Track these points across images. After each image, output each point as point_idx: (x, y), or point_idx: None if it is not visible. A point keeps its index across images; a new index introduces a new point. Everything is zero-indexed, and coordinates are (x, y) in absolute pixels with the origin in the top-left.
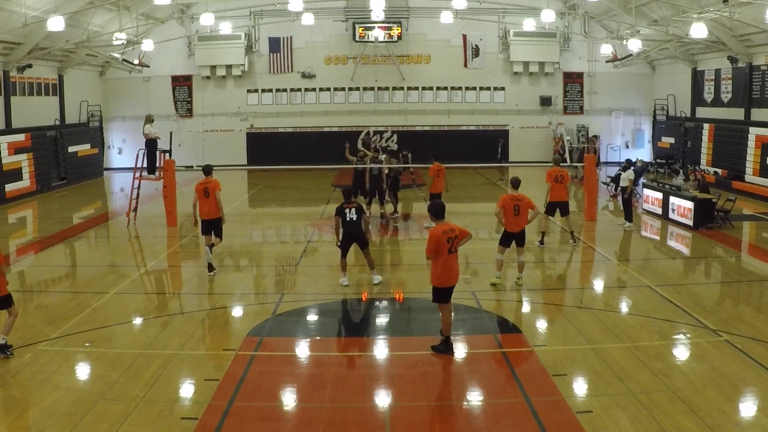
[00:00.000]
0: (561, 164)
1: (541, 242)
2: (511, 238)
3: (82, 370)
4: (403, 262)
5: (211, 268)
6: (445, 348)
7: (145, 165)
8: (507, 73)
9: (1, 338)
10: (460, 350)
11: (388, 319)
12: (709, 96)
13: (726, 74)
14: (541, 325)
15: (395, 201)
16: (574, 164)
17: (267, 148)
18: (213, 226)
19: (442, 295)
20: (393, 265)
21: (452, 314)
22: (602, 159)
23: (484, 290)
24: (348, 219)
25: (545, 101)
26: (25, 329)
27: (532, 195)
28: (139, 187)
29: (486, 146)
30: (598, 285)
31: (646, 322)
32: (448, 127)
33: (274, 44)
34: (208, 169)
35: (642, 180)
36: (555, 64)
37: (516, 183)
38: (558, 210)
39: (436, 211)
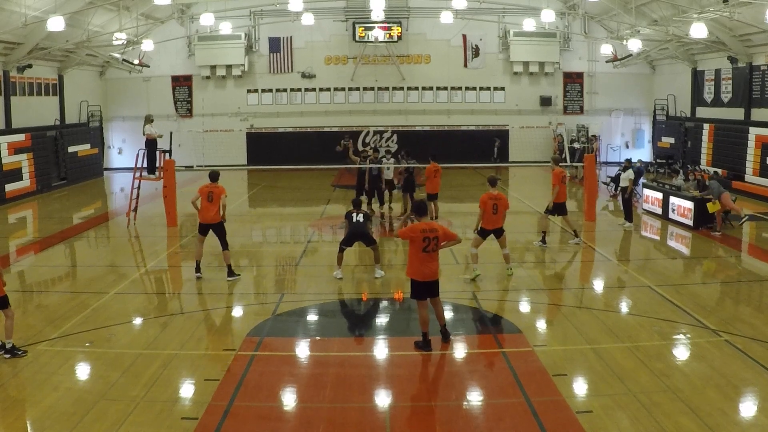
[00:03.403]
0: (560, 164)
1: (543, 241)
2: (488, 233)
3: (82, 370)
4: (402, 262)
5: (200, 268)
6: (423, 344)
7: (145, 165)
8: (507, 73)
9: (8, 342)
10: (460, 350)
11: (388, 319)
12: (709, 96)
13: (726, 74)
14: (541, 325)
15: (412, 201)
16: (574, 164)
17: (267, 148)
18: (213, 230)
19: (418, 290)
20: (392, 265)
21: (443, 313)
22: (602, 159)
23: (484, 290)
24: (354, 220)
25: (545, 101)
26: (25, 329)
27: (534, 195)
28: (139, 187)
29: (486, 146)
30: (598, 285)
31: (646, 322)
32: (448, 127)
33: (274, 44)
34: (214, 175)
35: (642, 180)
36: (555, 64)
37: (493, 181)
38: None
39: (419, 209)
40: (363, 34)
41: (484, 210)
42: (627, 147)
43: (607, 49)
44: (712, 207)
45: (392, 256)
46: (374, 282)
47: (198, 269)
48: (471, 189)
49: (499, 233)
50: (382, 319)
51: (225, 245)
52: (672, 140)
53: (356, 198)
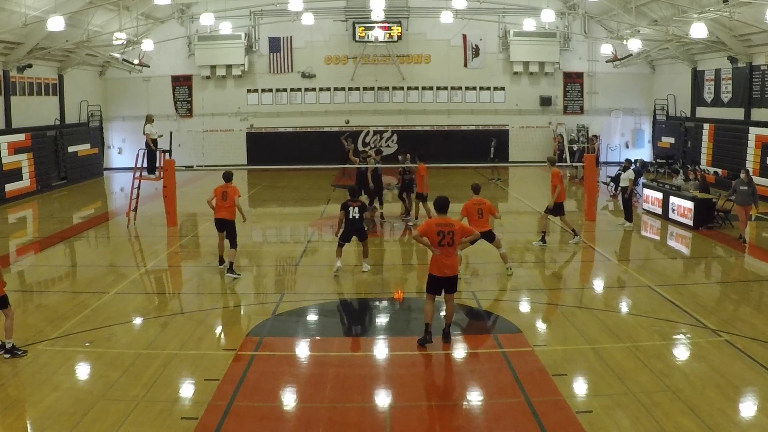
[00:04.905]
0: (556, 164)
1: (543, 241)
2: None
3: (82, 370)
4: (402, 262)
5: (226, 265)
6: (424, 337)
7: (145, 165)
8: (507, 73)
9: (8, 342)
10: (460, 350)
11: (388, 319)
12: (709, 96)
13: (726, 74)
14: (541, 325)
15: (410, 203)
16: (574, 164)
17: (267, 148)
18: (225, 228)
19: (432, 284)
20: (392, 265)
21: (453, 312)
22: (602, 159)
23: (484, 290)
24: (351, 217)
25: (545, 101)
26: (25, 329)
27: (534, 195)
28: (139, 187)
29: (486, 146)
30: (598, 285)
31: (646, 322)
32: (448, 127)
33: (274, 44)
34: (228, 176)
35: (642, 180)
36: (555, 64)
37: (476, 188)
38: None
39: (438, 205)
40: (363, 34)
41: (468, 215)
42: (627, 147)
43: (607, 49)
44: (754, 211)
45: (392, 257)
46: (374, 282)
47: (221, 261)
48: (470, 189)
49: (489, 237)
50: (382, 319)
51: (233, 244)
52: (672, 140)
53: (351, 186)
